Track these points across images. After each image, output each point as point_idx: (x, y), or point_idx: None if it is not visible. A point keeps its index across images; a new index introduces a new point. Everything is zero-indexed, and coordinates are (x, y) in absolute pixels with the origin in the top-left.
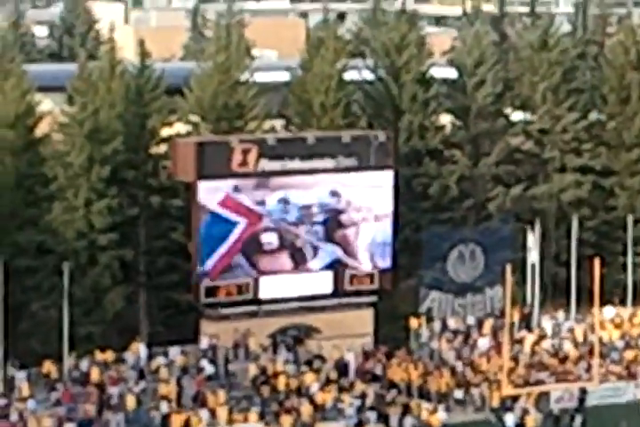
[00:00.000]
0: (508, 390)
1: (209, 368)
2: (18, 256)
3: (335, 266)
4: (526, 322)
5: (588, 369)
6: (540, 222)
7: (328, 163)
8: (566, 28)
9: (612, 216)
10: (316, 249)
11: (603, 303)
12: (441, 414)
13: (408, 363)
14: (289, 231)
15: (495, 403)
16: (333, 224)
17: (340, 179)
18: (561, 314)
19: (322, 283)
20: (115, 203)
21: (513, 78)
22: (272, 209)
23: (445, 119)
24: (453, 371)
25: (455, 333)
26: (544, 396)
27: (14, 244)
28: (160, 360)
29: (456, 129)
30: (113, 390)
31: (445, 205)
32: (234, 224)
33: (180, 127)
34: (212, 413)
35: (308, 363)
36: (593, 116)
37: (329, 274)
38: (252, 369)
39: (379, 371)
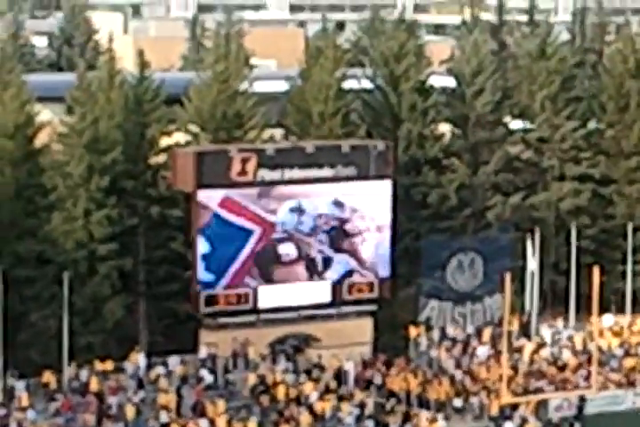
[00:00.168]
0: (507, 398)
1: (208, 378)
2: (17, 266)
3: (349, 276)
4: (525, 330)
5: (587, 377)
6: (539, 231)
7: (327, 172)
8: (565, 36)
9: (611, 224)
10: (328, 259)
11: (602, 311)
12: (440, 423)
13: (407, 372)
14: (303, 241)
15: (494, 411)
16: (340, 234)
17: (342, 188)
18: (560, 322)
19: (321, 292)
20: (114, 213)
21: (512, 87)
22: (284, 219)
23: (444, 128)
24: (452, 379)
25: (454, 341)
26: (543, 404)
27: (14, 254)
28: (159, 370)
29: (455, 138)
30: (112, 400)
31: (444, 214)
32: (248, 233)
33: (180, 137)
34: (212, 422)
35: (307, 372)
36: (592, 124)
37: (328, 283)
38: (252, 378)
39: (378, 380)
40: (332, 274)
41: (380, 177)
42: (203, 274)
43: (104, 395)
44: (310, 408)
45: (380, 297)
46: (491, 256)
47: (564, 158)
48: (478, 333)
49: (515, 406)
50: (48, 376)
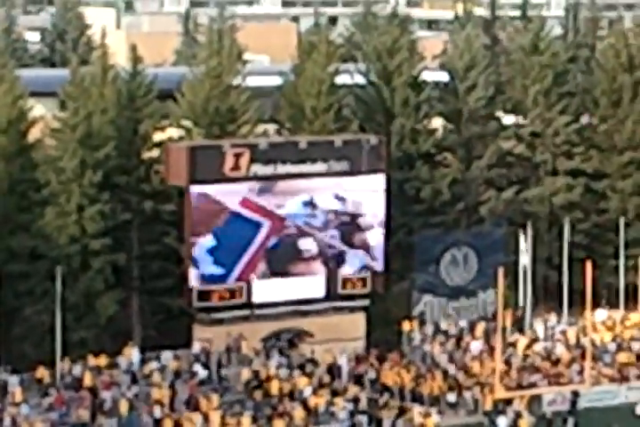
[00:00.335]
0: (500, 393)
1: (202, 373)
2: (10, 261)
3: (364, 271)
4: (519, 325)
5: (581, 372)
6: (531, 225)
7: (320, 167)
8: (557, 31)
9: (604, 219)
10: (342, 254)
11: (595, 306)
12: (434, 418)
13: (400, 366)
14: (317, 236)
15: (488, 406)
16: (348, 228)
17: (336, 183)
18: (553, 317)
19: (314, 287)
20: (107, 208)
21: (504, 82)
22: (297, 212)
23: (437, 123)
24: (446, 374)
25: (448, 336)
26: (536, 399)
27: (7, 249)
28: (153, 365)
29: (448, 133)
30: (106, 395)
31: (438, 209)
32: (258, 226)
33: (173, 132)
34: (205, 417)
35: (301, 367)
36: (584, 119)
37: (321, 278)
38: (245, 373)
39: (371, 375)
40: (350, 269)
41: (373, 171)
42: (212, 268)
43: (98, 390)
44: (304, 403)
45: (373, 292)
46: (484, 251)
47: (556, 153)
48: (471, 327)
49: (508, 401)
50: (41, 371)
